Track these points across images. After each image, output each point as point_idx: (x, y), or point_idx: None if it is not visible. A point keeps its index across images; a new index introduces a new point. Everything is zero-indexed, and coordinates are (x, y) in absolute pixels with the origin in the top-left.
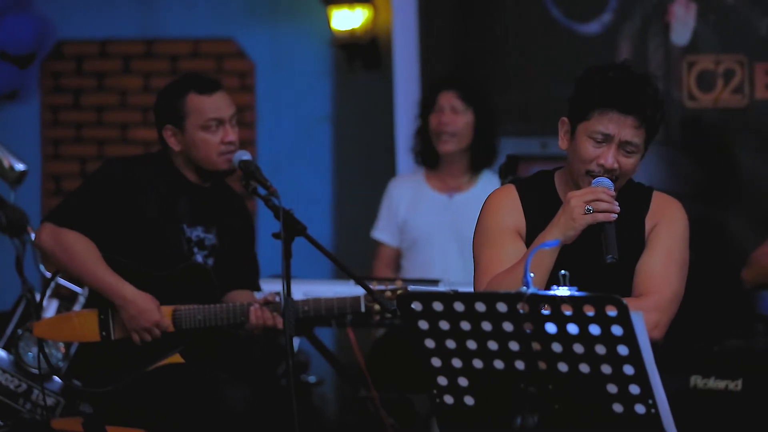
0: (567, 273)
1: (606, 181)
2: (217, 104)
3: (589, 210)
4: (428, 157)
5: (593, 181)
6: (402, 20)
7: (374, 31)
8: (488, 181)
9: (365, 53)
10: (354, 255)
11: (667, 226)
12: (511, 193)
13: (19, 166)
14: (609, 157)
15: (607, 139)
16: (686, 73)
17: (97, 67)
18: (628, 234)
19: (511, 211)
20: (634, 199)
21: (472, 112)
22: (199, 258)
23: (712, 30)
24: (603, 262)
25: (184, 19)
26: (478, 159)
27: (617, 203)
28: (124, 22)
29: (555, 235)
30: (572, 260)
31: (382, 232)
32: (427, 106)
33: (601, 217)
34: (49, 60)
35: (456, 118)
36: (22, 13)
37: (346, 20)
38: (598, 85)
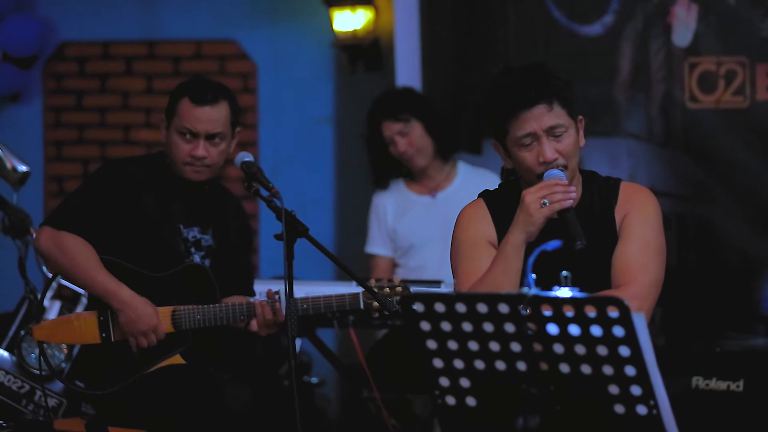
0: (569, 274)
1: (556, 172)
2: (198, 117)
3: (544, 203)
4: (400, 172)
5: (544, 175)
6: (404, 22)
7: (376, 32)
8: (467, 173)
9: (367, 54)
10: (356, 256)
11: (638, 214)
12: (480, 206)
13: (22, 168)
14: (546, 151)
15: (533, 137)
16: (688, 74)
17: (99, 69)
18: (600, 228)
19: (482, 223)
20: (602, 192)
21: (416, 120)
22: (197, 258)
23: (714, 31)
24: (579, 257)
25: (187, 21)
26: (444, 150)
27: (573, 189)
28: (126, 23)
29: (517, 235)
30: (549, 259)
31: (376, 246)
32: (375, 139)
33: (557, 206)
34: (52, 61)
35: (409, 139)
36: (25, 14)
37: (348, 22)
38: (496, 101)
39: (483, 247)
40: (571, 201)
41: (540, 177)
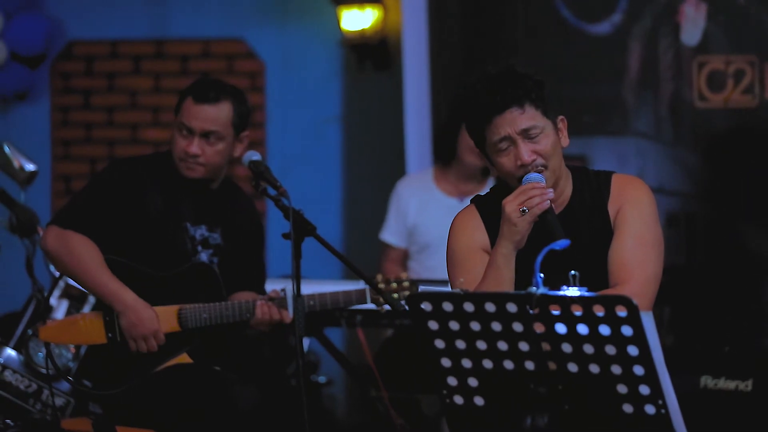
0: (577, 273)
1: (534, 176)
2: (195, 114)
3: (524, 211)
4: (445, 153)
5: (523, 179)
6: (412, 20)
7: (384, 31)
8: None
9: (375, 53)
10: (363, 255)
11: (631, 207)
12: (472, 213)
13: (30, 167)
14: (522, 154)
15: (509, 141)
16: (696, 73)
17: (107, 68)
18: (594, 225)
19: (474, 231)
20: (593, 188)
21: None
22: (204, 257)
23: (723, 30)
24: (578, 255)
25: (195, 20)
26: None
27: (550, 190)
28: (134, 22)
29: (504, 245)
30: (551, 259)
31: (391, 234)
32: (458, 121)
33: (536, 211)
34: (60, 60)
35: None
36: (33, 13)
37: (356, 20)
38: (473, 108)
39: (477, 256)
40: (549, 202)
41: (520, 181)
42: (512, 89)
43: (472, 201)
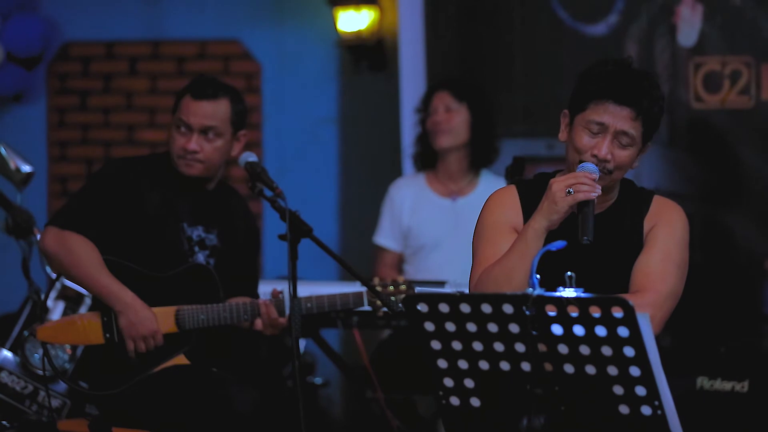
0: (573, 274)
1: (590, 166)
2: (194, 110)
3: (569, 192)
4: (426, 158)
5: (579, 166)
6: (408, 21)
7: (380, 32)
8: (489, 183)
9: (371, 55)
10: (360, 256)
11: (665, 227)
12: (512, 192)
13: (26, 168)
14: (603, 148)
15: (603, 129)
16: (693, 74)
17: (103, 69)
18: (625, 234)
19: (510, 209)
20: (634, 201)
21: (467, 109)
22: (201, 257)
23: (719, 31)
24: (593, 258)
25: (191, 21)
26: (476, 156)
27: (599, 187)
28: (130, 23)
29: (539, 221)
30: (570, 261)
31: (385, 238)
32: (424, 110)
33: (580, 196)
34: (56, 61)
35: (449, 116)
36: (29, 14)
37: (352, 22)
38: (596, 76)
39: (506, 233)
40: (595, 196)
41: (579, 164)
42: (644, 96)
43: (513, 182)
